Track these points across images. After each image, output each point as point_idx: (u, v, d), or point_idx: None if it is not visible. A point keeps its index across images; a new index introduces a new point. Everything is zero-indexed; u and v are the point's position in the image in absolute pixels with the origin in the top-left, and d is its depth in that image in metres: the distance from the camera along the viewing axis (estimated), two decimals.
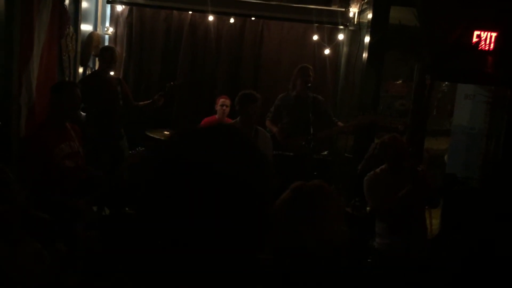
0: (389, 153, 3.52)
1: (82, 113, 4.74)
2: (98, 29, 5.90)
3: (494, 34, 4.55)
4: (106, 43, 6.06)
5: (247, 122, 3.98)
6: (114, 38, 6.15)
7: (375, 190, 3.55)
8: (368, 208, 4.71)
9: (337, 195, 1.65)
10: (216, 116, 5.74)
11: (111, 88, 4.95)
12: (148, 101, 5.23)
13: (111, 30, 6.11)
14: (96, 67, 5.65)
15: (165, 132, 5.42)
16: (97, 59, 5.48)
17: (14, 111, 3.51)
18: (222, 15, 6.09)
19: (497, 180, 4.80)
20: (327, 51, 6.20)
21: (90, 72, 5.58)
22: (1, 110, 3.45)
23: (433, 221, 5.13)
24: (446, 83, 6.58)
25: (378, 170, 3.64)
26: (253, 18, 6.17)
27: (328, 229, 1.53)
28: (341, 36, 6.18)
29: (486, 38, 4.58)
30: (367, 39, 5.01)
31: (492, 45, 4.58)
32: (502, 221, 3.95)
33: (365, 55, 5.03)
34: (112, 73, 5.08)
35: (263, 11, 5.95)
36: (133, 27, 6.16)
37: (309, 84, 4.86)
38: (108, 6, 6.11)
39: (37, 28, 3.78)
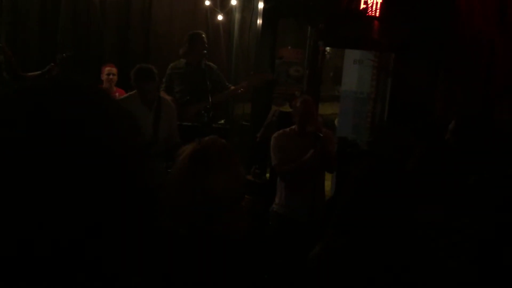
0: (299, 115, 3.57)
1: None
2: None
3: (380, 1, 4.75)
4: None
5: (143, 99, 3.74)
6: None
7: (281, 148, 3.60)
8: (267, 175, 4.77)
9: (233, 152, 1.60)
10: (103, 85, 5.39)
11: None
12: (38, 72, 4.74)
13: None
14: None
15: None
16: None
17: None
18: None
19: (384, 142, 5.11)
20: (220, 17, 6.06)
21: None
22: None
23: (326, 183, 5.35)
24: (329, 48, 6.80)
25: (287, 129, 3.69)
26: None
27: (223, 184, 1.50)
28: (234, 2, 6.07)
29: (372, 5, 4.77)
30: (260, 5, 4.96)
31: (378, 12, 4.78)
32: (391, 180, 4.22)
33: (259, 21, 4.98)
34: None
35: None
36: None
37: (205, 51, 4.73)
38: None
39: None
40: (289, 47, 5.26)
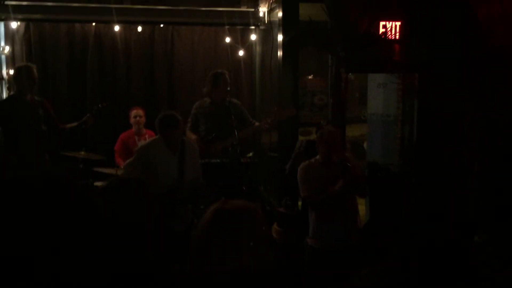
0: (323, 146, 3.56)
1: None
2: None
3: (398, 24, 4.74)
4: (3, 64, 5.60)
5: (168, 144, 3.81)
6: (11, 57, 5.69)
7: (308, 179, 3.58)
8: (299, 206, 4.73)
9: (261, 217, 1.55)
10: (133, 129, 5.51)
11: (31, 111, 4.57)
12: (75, 123, 4.90)
13: (7, 49, 5.64)
14: None
15: (82, 153, 5.09)
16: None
17: None
18: (128, 24, 5.85)
19: (415, 164, 5.01)
20: (241, 53, 6.17)
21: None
22: None
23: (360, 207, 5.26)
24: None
25: (312, 160, 3.67)
26: (161, 25, 5.99)
27: (249, 255, 1.45)
28: (253, 36, 6.17)
29: (391, 28, 4.76)
30: (279, 37, 5.03)
31: (397, 34, 4.77)
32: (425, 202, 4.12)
33: (279, 53, 5.04)
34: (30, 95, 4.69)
35: (171, 17, 5.80)
36: (32, 44, 5.74)
37: (228, 89, 4.84)
38: (1, 24, 5.64)
39: None
40: (311, 76, 5.28)
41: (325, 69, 5.21)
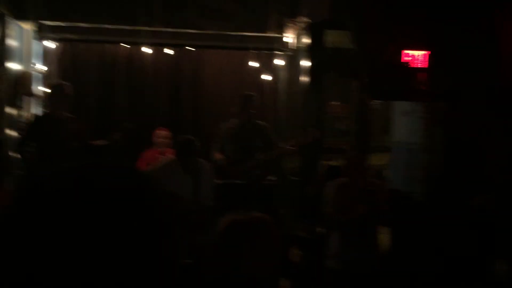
0: (349, 170, 3.59)
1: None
2: (26, 67, 5.62)
3: (423, 52, 4.76)
4: (39, 82, 5.80)
5: (184, 167, 3.96)
6: (47, 75, 5.89)
7: (337, 197, 3.61)
8: (318, 229, 4.71)
9: (274, 230, 1.58)
10: (156, 149, 5.57)
11: (63, 128, 4.71)
12: (103, 141, 5.02)
13: (42, 67, 5.85)
14: (26, 107, 5.40)
15: None
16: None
17: None
18: (157, 46, 6.01)
19: (441, 192, 4.95)
20: (266, 77, 6.25)
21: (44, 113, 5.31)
22: None
23: (381, 236, 5.20)
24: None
25: (339, 180, 3.70)
26: (190, 48, 6.14)
27: (256, 266, 1.49)
28: (279, 62, 6.26)
29: (416, 56, 4.79)
30: (305, 63, 5.10)
31: (422, 62, 4.78)
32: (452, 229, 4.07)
33: (304, 79, 5.10)
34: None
35: (200, 41, 5.94)
36: (67, 63, 5.95)
37: (254, 111, 4.92)
38: (37, 43, 5.87)
39: None
40: (336, 102, 5.31)
41: (349, 95, 5.25)
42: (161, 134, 5.55)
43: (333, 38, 4.85)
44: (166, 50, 6.13)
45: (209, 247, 1.60)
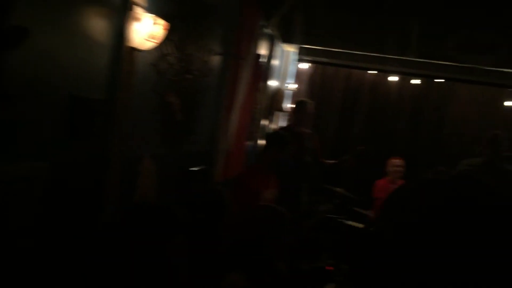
0: None
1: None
2: (281, 85, 6.21)
3: None
4: (289, 98, 6.34)
5: None
6: (296, 93, 6.41)
7: None
8: None
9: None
10: (388, 178, 5.52)
11: (300, 141, 5.07)
12: (335, 161, 5.21)
13: (294, 86, 6.39)
14: (274, 119, 5.93)
15: (339, 189, 5.35)
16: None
17: (215, 156, 3.78)
18: (406, 75, 5.98)
19: None
20: None
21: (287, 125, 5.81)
22: (206, 155, 3.73)
23: None
24: None
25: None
26: (439, 80, 5.94)
27: None
28: None
29: None
30: None
31: None
32: None
33: None
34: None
35: (451, 73, 5.69)
36: (315, 84, 6.37)
37: (501, 154, 4.50)
38: (293, 63, 6.44)
39: (240, 81, 4.09)
40: None
41: None
42: (395, 163, 5.50)
43: None
44: (413, 80, 6.06)
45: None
